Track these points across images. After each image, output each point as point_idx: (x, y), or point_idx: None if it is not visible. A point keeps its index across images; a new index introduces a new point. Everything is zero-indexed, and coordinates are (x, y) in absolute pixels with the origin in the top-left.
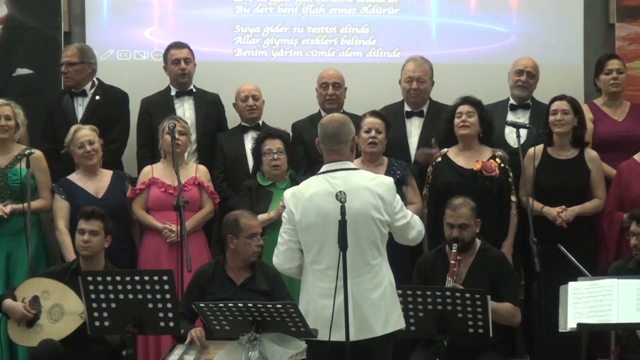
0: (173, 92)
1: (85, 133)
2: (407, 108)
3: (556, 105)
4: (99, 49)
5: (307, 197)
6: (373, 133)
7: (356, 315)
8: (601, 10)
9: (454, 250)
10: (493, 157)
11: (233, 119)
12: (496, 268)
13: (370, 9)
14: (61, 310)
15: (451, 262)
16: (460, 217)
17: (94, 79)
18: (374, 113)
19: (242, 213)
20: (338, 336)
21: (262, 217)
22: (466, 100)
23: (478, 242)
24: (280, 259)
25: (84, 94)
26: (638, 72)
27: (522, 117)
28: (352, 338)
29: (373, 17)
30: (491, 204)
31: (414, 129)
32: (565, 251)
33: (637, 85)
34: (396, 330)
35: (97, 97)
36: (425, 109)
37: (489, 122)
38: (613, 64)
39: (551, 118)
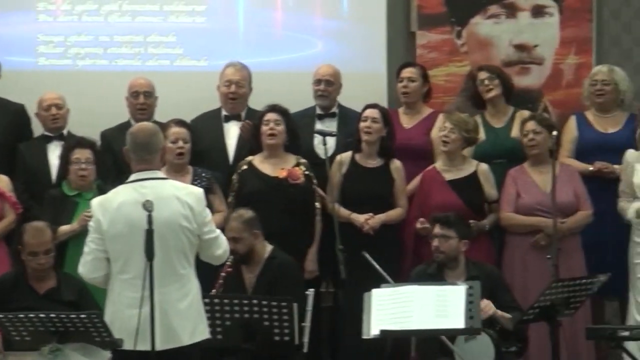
0: None
1: None
2: (225, 112)
3: (367, 112)
4: None
5: (115, 207)
6: (180, 143)
7: (163, 324)
8: (402, 18)
9: (227, 262)
10: (298, 164)
11: (40, 129)
12: (280, 275)
13: (177, 17)
14: None
15: (221, 274)
16: (230, 230)
17: None
18: (179, 122)
19: (29, 228)
20: (144, 346)
21: (64, 228)
22: (273, 108)
23: (267, 250)
24: (87, 268)
25: None
26: (438, 80)
27: (330, 126)
28: (158, 347)
29: (180, 25)
30: (297, 211)
31: (232, 133)
32: (370, 258)
33: (437, 93)
34: (203, 339)
35: None
36: (243, 114)
37: (295, 132)
38: (405, 72)
39: (361, 125)
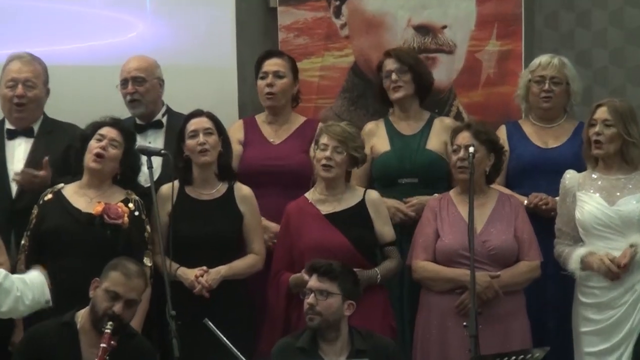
0: None
1: None
2: (8, 125)
3: (195, 124)
4: None
5: None
6: None
7: None
8: None
9: (106, 330)
10: (126, 200)
11: None
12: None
13: None
14: None
15: (101, 345)
16: (133, 289)
17: None
18: None
19: None
20: None
21: None
22: (114, 123)
23: None
24: None
25: None
26: (309, 76)
27: (155, 140)
28: None
29: None
30: None
31: (19, 152)
32: (214, 328)
33: (308, 94)
34: None
35: None
36: (36, 127)
37: (136, 163)
38: (269, 64)
39: (189, 143)
